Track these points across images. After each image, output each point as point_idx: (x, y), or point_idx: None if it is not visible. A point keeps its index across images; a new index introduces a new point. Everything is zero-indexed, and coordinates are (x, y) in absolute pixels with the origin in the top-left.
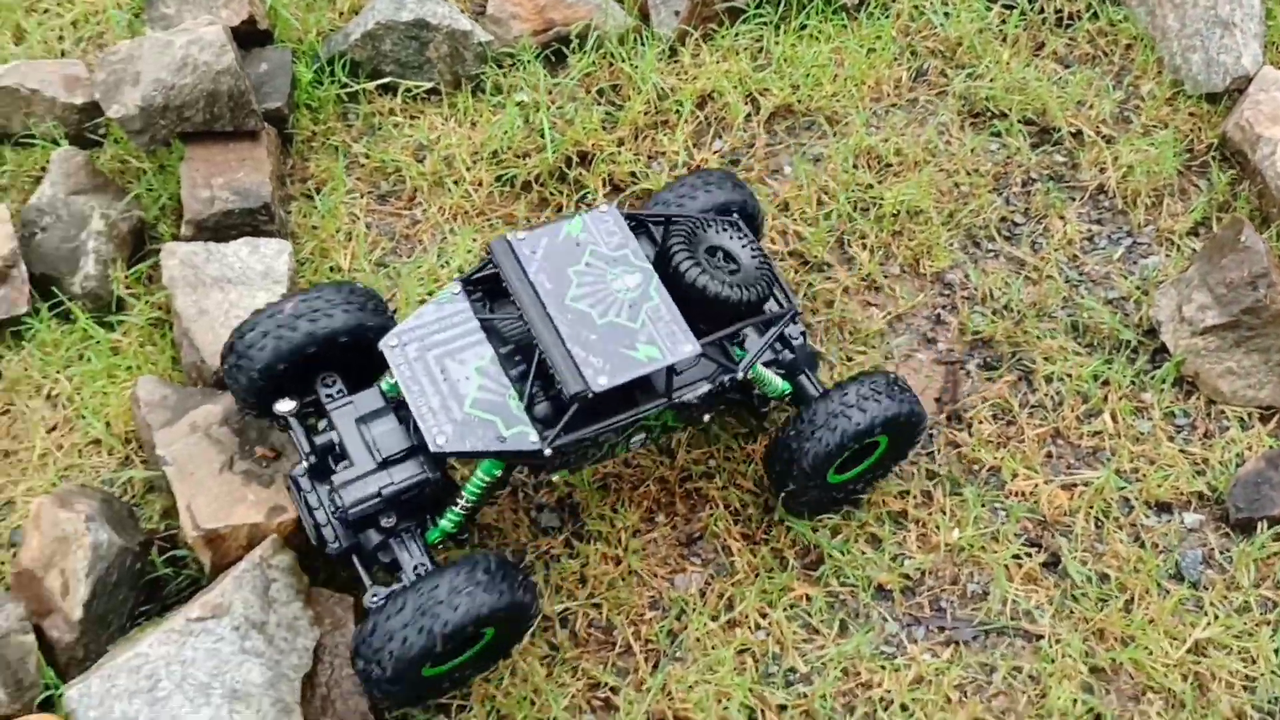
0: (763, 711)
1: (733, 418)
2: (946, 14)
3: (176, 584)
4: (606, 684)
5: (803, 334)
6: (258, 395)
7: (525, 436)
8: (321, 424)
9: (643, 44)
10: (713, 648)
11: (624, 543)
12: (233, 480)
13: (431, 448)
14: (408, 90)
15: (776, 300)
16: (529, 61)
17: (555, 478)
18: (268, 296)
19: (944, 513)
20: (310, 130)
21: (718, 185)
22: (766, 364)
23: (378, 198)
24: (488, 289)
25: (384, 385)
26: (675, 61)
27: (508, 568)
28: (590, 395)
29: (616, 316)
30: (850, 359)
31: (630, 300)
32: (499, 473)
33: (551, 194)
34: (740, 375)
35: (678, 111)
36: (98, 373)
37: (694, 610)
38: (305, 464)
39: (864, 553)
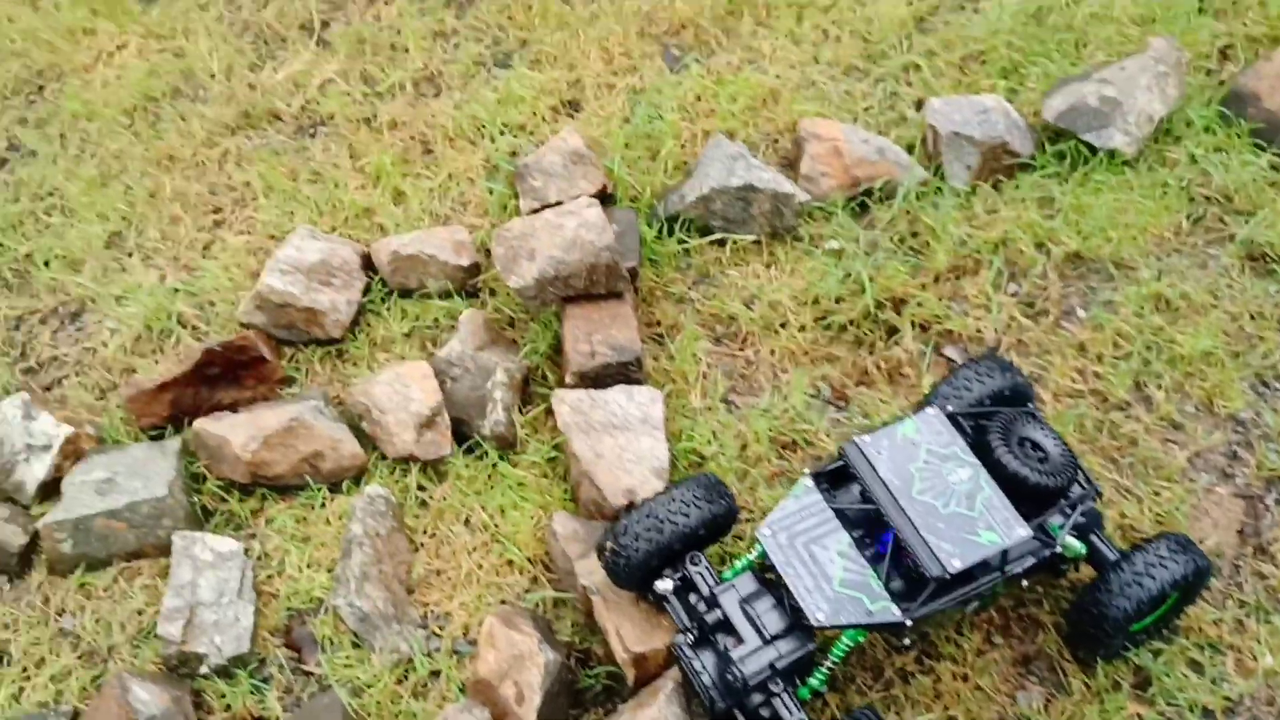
0: None
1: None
2: (1221, 164)
3: (593, 691)
4: None
5: (1099, 494)
6: (636, 581)
7: (889, 610)
8: (692, 597)
9: (939, 195)
10: None
11: (969, 661)
12: (647, 609)
13: (812, 622)
14: (734, 242)
15: (1079, 484)
16: (839, 213)
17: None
18: (650, 442)
19: (1258, 640)
20: (653, 280)
21: (988, 374)
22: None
23: (714, 340)
24: (830, 478)
25: (749, 559)
26: (969, 211)
27: None
28: (948, 577)
29: (958, 506)
30: (1157, 493)
31: (966, 491)
32: (862, 639)
33: (865, 334)
34: (1059, 549)
35: (975, 259)
36: (506, 504)
37: None
38: (689, 635)
39: (1187, 676)
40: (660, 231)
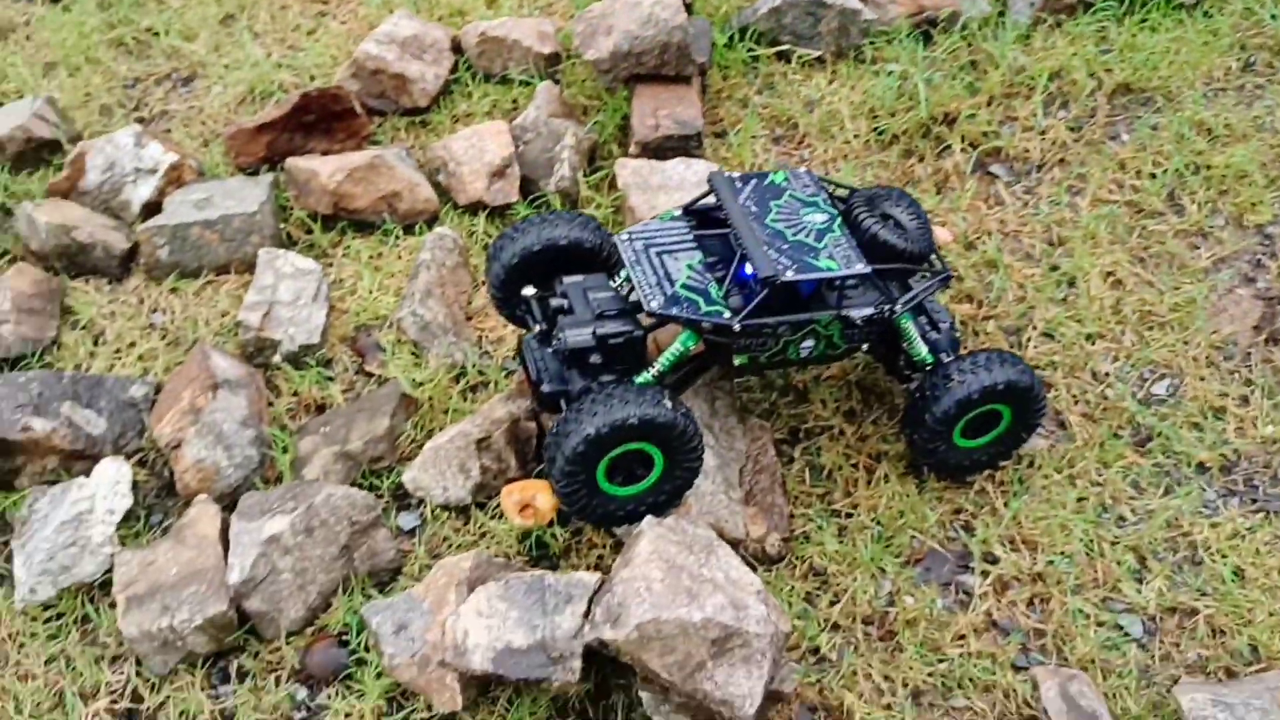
0: (1096, 542)
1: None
2: (1273, 16)
3: None
4: (967, 509)
5: (950, 323)
6: (504, 286)
7: (720, 314)
8: (552, 301)
9: (1000, 29)
10: (1056, 493)
11: None
12: None
13: (646, 308)
14: (800, 57)
15: (934, 267)
16: (902, 38)
17: (739, 377)
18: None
19: (1260, 413)
20: (720, 84)
21: (895, 202)
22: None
23: (773, 139)
24: (700, 221)
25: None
26: (1029, 44)
27: (654, 390)
28: (779, 281)
29: (805, 238)
30: (1178, 287)
31: (817, 230)
32: (692, 345)
33: (916, 147)
34: (899, 309)
35: (1029, 85)
36: None
37: (1040, 464)
38: (537, 329)
39: (1186, 434)
40: (731, 40)
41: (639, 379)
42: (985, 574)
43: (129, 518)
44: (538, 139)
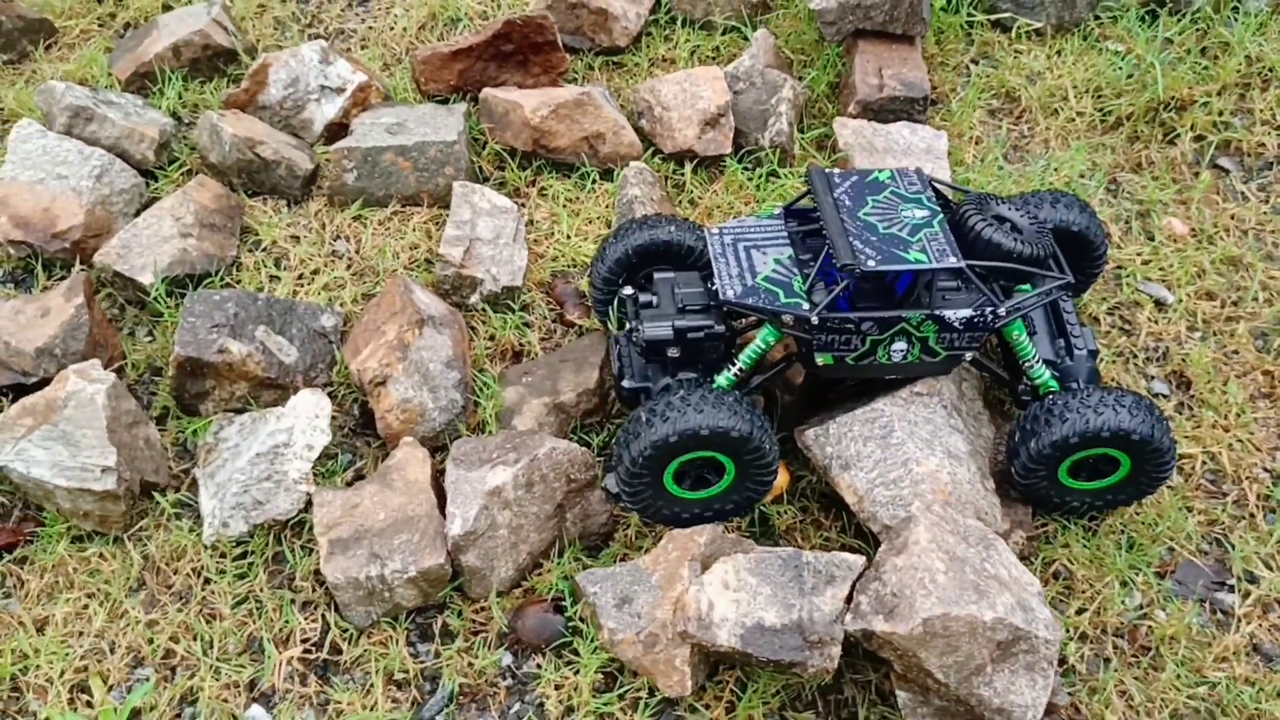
0: None
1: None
2: None
3: None
4: (1223, 521)
5: (1094, 353)
6: (607, 286)
7: (799, 305)
8: (642, 296)
9: (1235, 14)
10: None
11: (1230, 419)
12: None
13: (721, 296)
14: (1021, 26)
15: (1053, 269)
16: (1129, 16)
17: (824, 373)
18: (931, 168)
19: None
20: (934, 49)
21: (1065, 206)
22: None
23: (989, 111)
24: (801, 221)
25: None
26: (1264, 32)
27: (734, 398)
28: (859, 271)
29: (899, 231)
30: None
31: (913, 225)
32: (772, 341)
33: (1140, 132)
34: (1002, 311)
35: (1266, 76)
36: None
37: None
38: (627, 327)
39: None
40: (949, 3)
41: (719, 379)
42: (1246, 594)
43: (321, 456)
44: (751, 89)
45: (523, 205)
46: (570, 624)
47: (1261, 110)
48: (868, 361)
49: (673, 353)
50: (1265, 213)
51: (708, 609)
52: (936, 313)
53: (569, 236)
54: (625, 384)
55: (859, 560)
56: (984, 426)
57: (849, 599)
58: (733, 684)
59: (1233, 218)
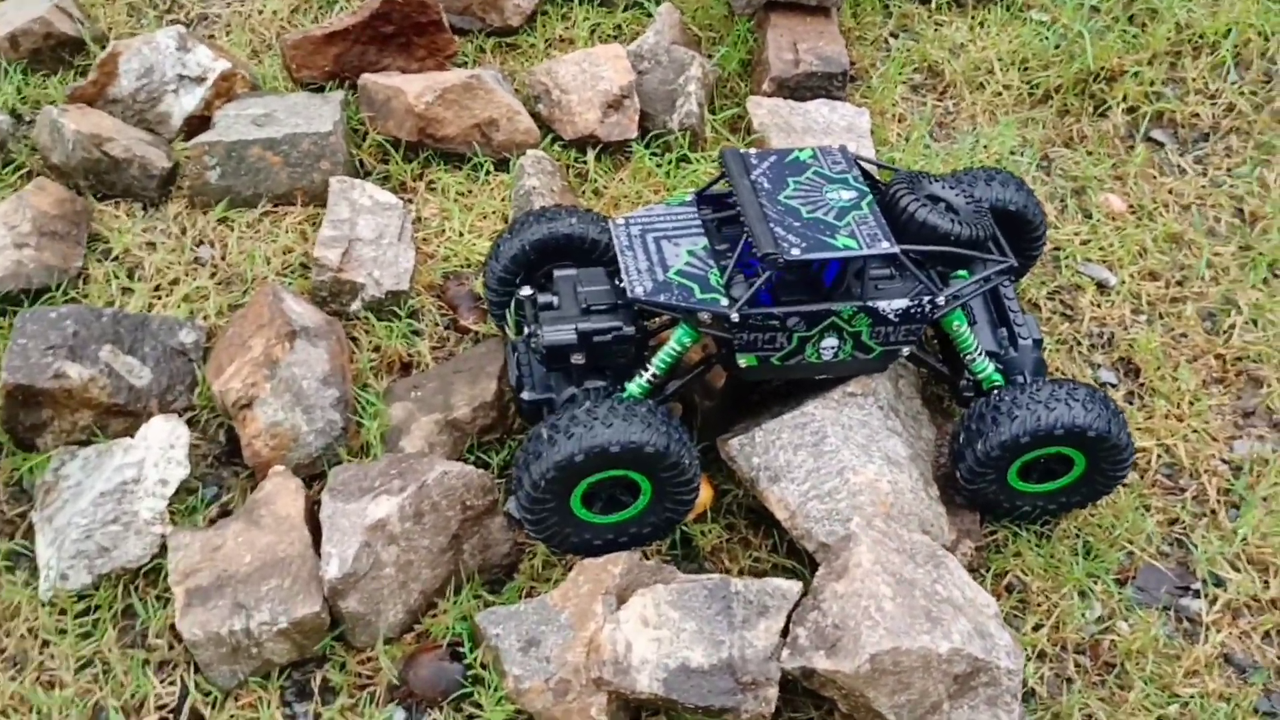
0: None
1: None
2: None
3: None
4: (1183, 519)
5: (1038, 343)
6: (503, 286)
7: (717, 301)
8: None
9: None
10: None
11: (1183, 407)
12: None
13: (629, 294)
14: None
15: (993, 250)
16: None
17: (748, 375)
18: (854, 147)
19: None
20: (851, 24)
21: (1001, 184)
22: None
23: (911, 87)
24: (716, 209)
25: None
26: None
27: (647, 409)
28: (782, 261)
29: (824, 215)
30: None
31: (840, 207)
32: (688, 342)
33: (1070, 105)
34: (941, 300)
35: (1197, 44)
36: None
37: (1262, 471)
38: (526, 332)
39: None
40: None
41: (630, 387)
42: (1213, 599)
43: (179, 491)
44: (657, 68)
45: (409, 201)
46: (470, 672)
47: (1194, 79)
48: (795, 361)
49: (577, 359)
50: (1204, 186)
51: (625, 650)
52: (869, 304)
53: (461, 234)
54: (525, 396)
55: (794, 587)
56: (924, 427)
57: (785, 632)
58: None
59: (1170, 192)
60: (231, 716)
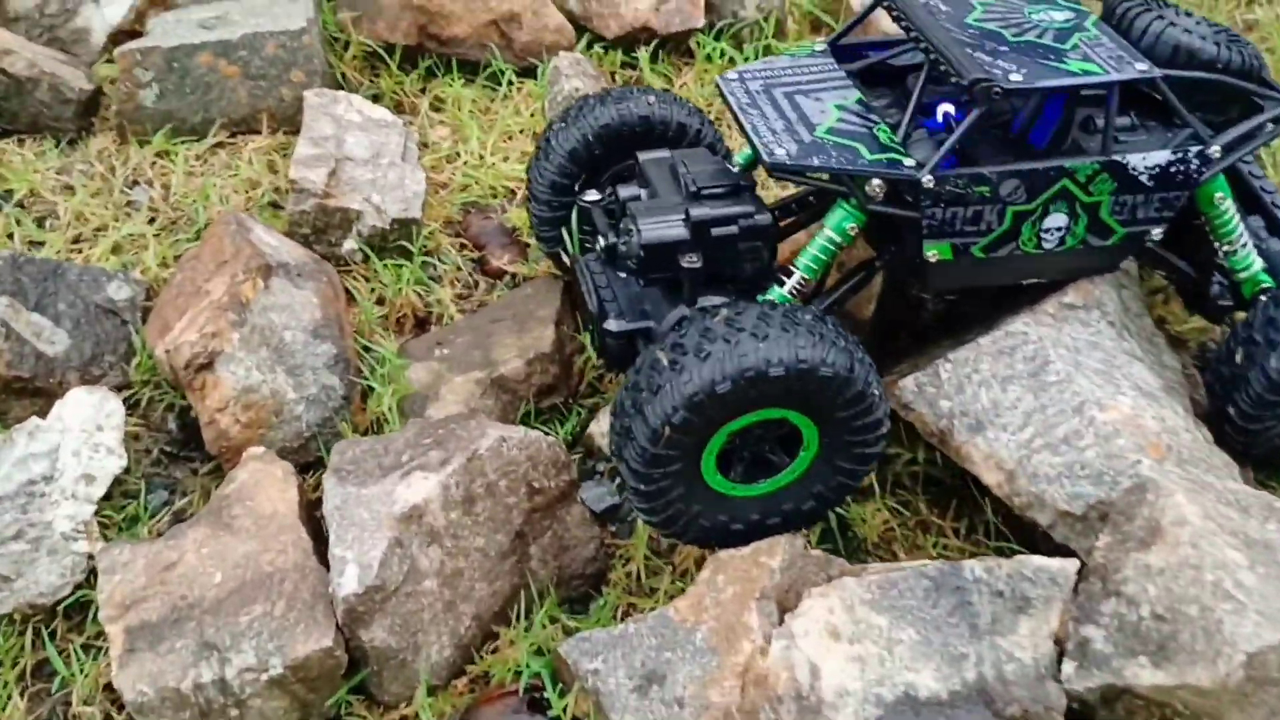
0: None
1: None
2: None
3: None
4: None
5: None
6: (558, 193)
7: (899, 163)
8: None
9: None
10: None
11: None
12: None
13: (766, 160)
14: None
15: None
16: None
17: (932, 280)
18: None
19: None
20: None
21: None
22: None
23: None
24: (870, 62)
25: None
26: None
27: (813, 316)
28: (998, 91)
29: (1037, 38)
30: None
31: (1056, 29)
32: (850, 226)
33: None
34: (1215, 149)
35: None
36: None
37: None
38: (601, 246)
39: None
40: None
41: (775, 290)
42: None
43: (113, 493)
44: None
45: (410, 124)
46: None
47: None
48: (1005, 252)
49: (690, 262)
50: None
51: (810, 679)
52: (1118, 159)
53: (481, 157)
54: (612, 326)
55: (1069, 566)
56: (1164, 353)
57: (1060, 637)
58: None
59: None
60: None
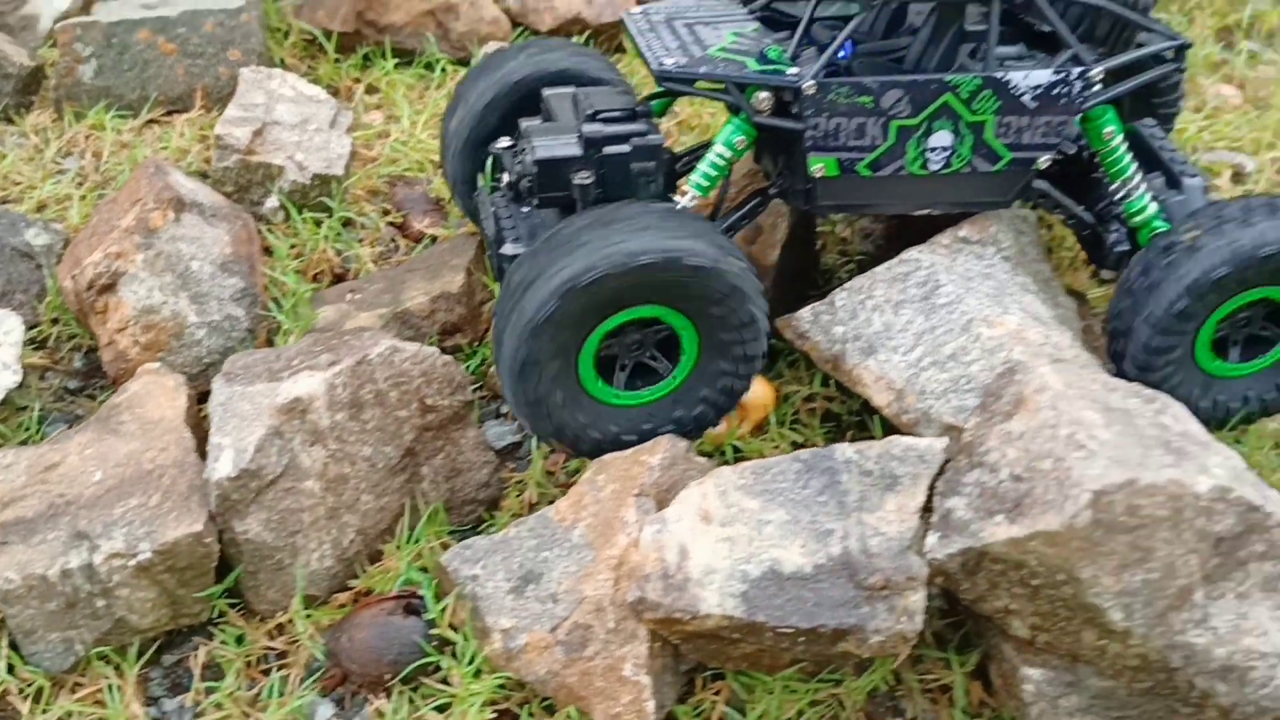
0: None
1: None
2: None
3: None
4: None
5: (1198, 176)
6: (473, 148)
7: (780, 72)
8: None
9: None
10: None
11: None
12: None
13: (655, 69)
14: None
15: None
16: None
17: (822, 198)
18: None
19: None
20: None
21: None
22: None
23: None
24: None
25: None
26: None
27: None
28: None
29: None
30: None
31: None
32: (741, 142)
33: None
34: (1097, 72)
35: None
36: None
37: None
38: (508, 179)
39: None
40: None
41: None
42: None
43: (7, 406)
44: None
45: (347, 107)
46: (433, 634)
47: None
48: (891, 170)
49: (582, 178)
50: None
51: (678, 558)
52: (999, 75)
53: (410, 136)
54: (508, 250)
55: (936, 445)
56: (1060, 295)
57: (927, 508)
58: (723, 706)
59: None
60: (65, 715)
